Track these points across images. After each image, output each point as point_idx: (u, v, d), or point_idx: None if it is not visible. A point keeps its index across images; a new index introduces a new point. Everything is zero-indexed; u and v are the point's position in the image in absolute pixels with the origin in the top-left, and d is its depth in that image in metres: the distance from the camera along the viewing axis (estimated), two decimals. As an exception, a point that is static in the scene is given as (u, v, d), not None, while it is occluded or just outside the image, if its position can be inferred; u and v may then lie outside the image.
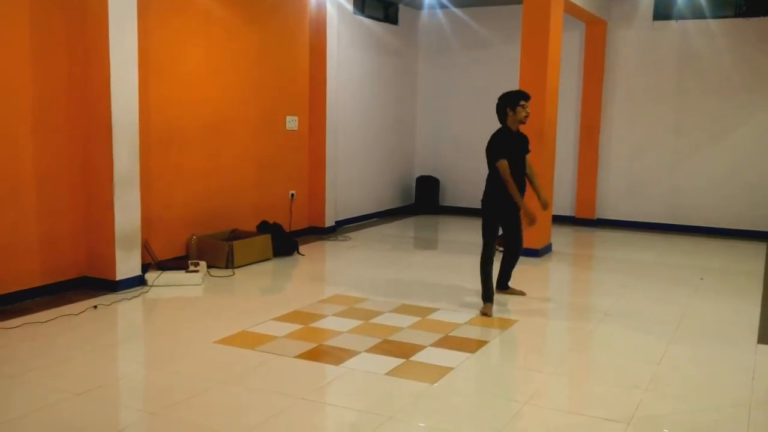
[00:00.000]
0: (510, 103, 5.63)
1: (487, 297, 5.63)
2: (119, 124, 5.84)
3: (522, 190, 5.67)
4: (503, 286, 6.11)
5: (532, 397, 3.95)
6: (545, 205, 6.00)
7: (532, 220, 5.62)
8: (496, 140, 5.67)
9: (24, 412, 3.60)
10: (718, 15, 9.27)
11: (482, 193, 5.75)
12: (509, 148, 5.63)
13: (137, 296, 5.81)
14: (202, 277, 6.32)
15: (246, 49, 7.70)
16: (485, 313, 5.49)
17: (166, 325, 5.20)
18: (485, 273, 5.65)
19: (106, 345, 4.73)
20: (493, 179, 5.66)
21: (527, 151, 5.87)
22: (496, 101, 5.71)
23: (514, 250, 6.01)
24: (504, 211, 5.72)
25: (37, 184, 5.64)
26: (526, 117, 5.66)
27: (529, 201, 5.81)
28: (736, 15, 9.17)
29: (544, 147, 7.64)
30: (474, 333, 5.03)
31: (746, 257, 8.12)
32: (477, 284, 6.65)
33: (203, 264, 6.58)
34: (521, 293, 6.10)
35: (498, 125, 5.73)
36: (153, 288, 6.03)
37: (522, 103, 5.61)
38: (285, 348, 4.62)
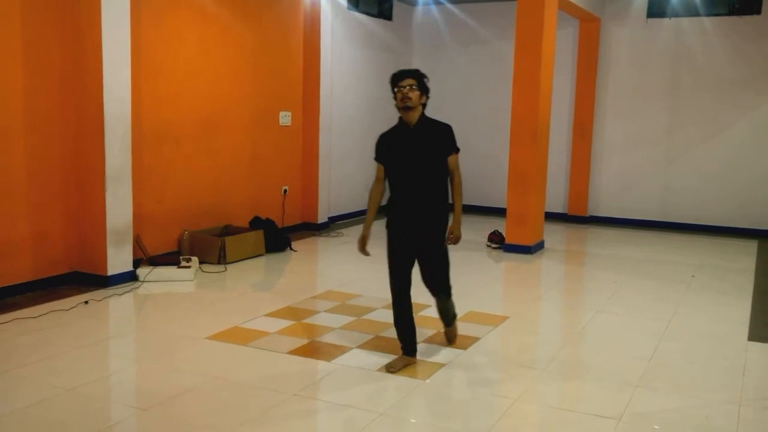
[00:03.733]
0: (391, 87, 4.22)
1: (401, 345, 4.41)
2: (111, 119, 5.81)
3: (416, 208, 4.21)
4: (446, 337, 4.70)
5: (524, 393, 3.96)
6: (453, 239, 4.23)
7: (362, 249, 4.41)
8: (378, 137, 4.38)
9: (15, 408, 3.58)
10: (711, 13, 9.29)
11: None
12: (387, 148, 4.28)
13: (128, 292, 5.79)
14: (194, 273, 6.30)
15: (240, 44, 7.67)
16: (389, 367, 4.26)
17: (157, 321, 5.19)
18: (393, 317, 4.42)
19: (97, 340, 4.72)
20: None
21: (437, 152, 4.19)
22: None
23: (428, 289, 4.45)
24: (394, 230, 4.32)
25: (29, 178, 5.60)
26: (401, 101, 4.13)
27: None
28: (730, 13, 9.19)
29: (537, 144, 7.65)
30: (465, 330, 5.03)
31: (738, 255, 8.15)
32: (470, 281, 6.67)
33: (195, 259, 6.56)
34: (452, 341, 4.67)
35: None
36: (144, 283, 6.01)
37: (397, 87, 4.16)
38: (277, 344, 4.62)
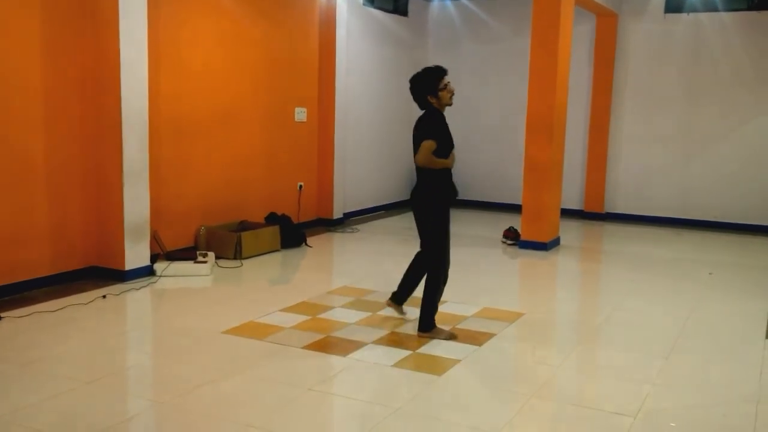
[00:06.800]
0: (435, 79, 5.12)
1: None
2: (129, 115, 5.85)
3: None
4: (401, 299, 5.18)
5: (539, 390, 3.95)
6: None
7: None
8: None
9: (34, 401, 3.62)
10: (730, 8, 9.19)
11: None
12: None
13: (146, 286, 5.83)
14: (210, 268, 6.34)
15: (256, 40, 7.69)
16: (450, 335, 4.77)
17: (174, 316, 5.22)
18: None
19: (114, 334, 4.76)
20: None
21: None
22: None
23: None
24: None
25: (47, 174, 5.66)
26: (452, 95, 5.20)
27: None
28: (749, 8, 9.10)
29: (553, 140, 7.62)
30: (481, 326, 5.03)
31: (756, 252, 8.08)
32: (486, 278, 6.67)
33: (212, 255, 6.60)
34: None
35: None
36: (161, 278, 6.05)
37: (446, 78, 5.14)
38: (292, 339, 4.64)
